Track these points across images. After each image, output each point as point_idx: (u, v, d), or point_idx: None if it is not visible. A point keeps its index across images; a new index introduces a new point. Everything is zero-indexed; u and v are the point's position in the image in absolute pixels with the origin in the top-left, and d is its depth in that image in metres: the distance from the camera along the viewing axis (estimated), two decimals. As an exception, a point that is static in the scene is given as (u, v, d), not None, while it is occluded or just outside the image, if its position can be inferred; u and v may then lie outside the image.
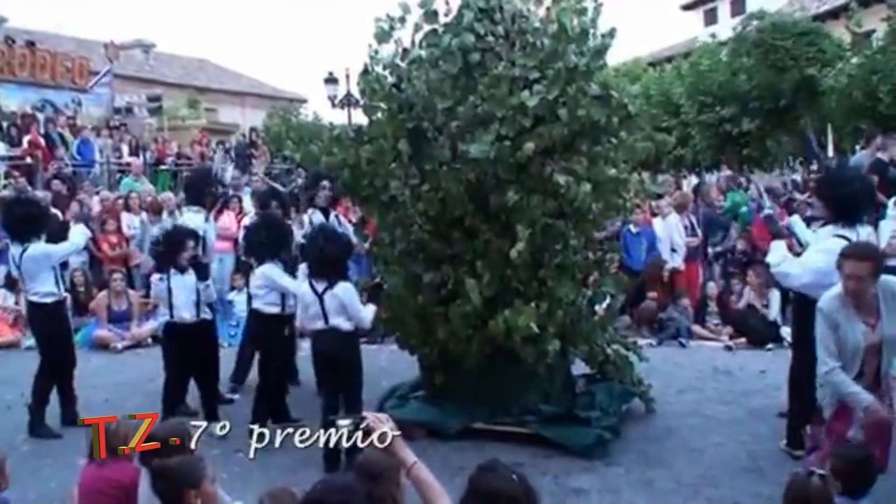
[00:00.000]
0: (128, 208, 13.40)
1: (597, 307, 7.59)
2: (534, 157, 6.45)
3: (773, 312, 10.75)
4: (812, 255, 5.88)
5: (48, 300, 7.75)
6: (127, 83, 30.65)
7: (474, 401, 7.01)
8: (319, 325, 6.64)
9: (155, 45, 40.88)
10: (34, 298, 7.84)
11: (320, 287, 6.58)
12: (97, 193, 14.32)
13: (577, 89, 6.42)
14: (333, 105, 25.35)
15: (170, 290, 7.35)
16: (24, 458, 6.86)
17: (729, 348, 10.57)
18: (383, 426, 3.13)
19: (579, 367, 7.76)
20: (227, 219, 12.59)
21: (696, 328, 11.17)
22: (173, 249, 7.44)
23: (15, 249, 7.76)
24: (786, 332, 10.55)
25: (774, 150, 21.40)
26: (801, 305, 6.13)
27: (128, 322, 11.55)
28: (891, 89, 16.62)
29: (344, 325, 6.60)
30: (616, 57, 22.45)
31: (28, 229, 7.70)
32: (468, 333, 6.82)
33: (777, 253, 6.01)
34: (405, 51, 7.11)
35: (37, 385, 7.87)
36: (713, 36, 25.74)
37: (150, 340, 11.47)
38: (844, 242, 5.60)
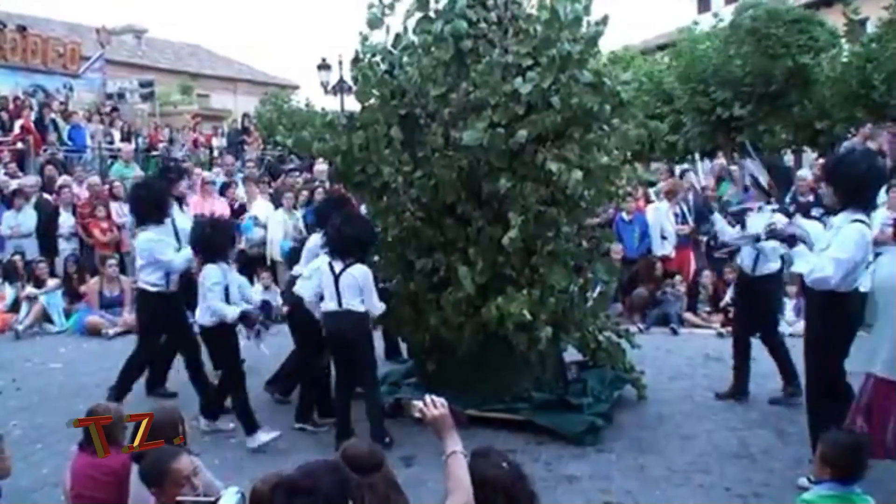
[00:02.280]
0: (114, 197, 13.30)
1: (589, 294, 7.60)
2: (526, 145, 6.44)
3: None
4: (841, 250, 5.45)
5: (150, 289, 7.53)
6: (119, 68, 30.50)
7: (466, 387, 7.01)
8: (332, 306, 6.59)
9: (147, 30, 40.73)
10: (139, 283, 7.72)
11: (338, 267, 6.56)
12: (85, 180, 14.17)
13: (570, 77, 6.41)
14: (326, 92, 25.29)
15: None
16: (16, 444, 6.83)
17: (720, 335, 10.59)
18: (434, 411, 3.13)
19: (571, 354, 7.78)
20: (220, 206, 12.56)
21: (688, 315, 11.21)
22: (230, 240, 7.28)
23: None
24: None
25: (767, 138, 21.39)
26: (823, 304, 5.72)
27: (120, 308, 11.52)
28: (885, 78, 16.62)
29: (358, 306, 6.56)
30: (608, 44, 22.38)
31: (145, 214, 7.54)
32: (461, 320, 6.83)
33: (803, 261, 5.70)
34: (397, 37, 7.09)
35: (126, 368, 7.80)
36: (716, 15, 25.43)
37: (141, 327, 11.45)
38: (867, 228, 5.55)
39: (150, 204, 7.50)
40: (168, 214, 7.59)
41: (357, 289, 6.53)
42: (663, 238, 11.79)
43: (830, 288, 5.45)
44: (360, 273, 6.53)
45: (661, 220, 11.83)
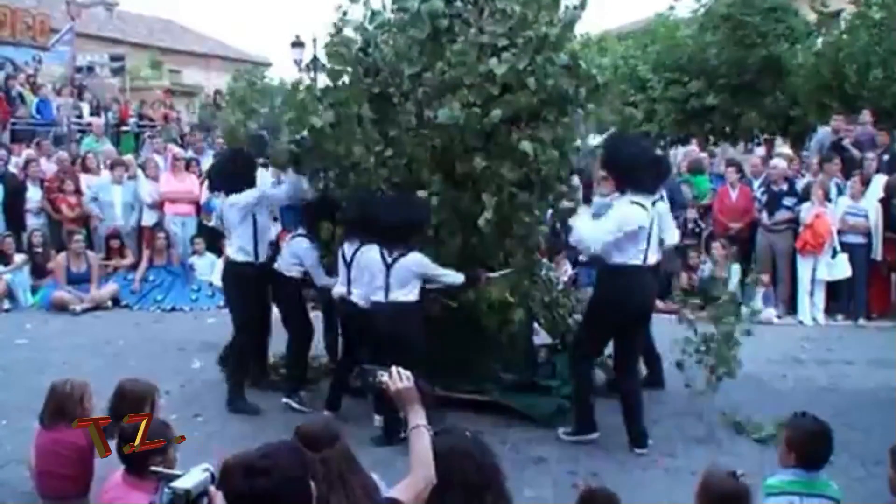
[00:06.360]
0: (86, 169, 13.17)
1: (560, 277, 7.62)
2: (500, 125, 6.42)
3: (732, 286, 10.88)
4: (607, 222, 6.12)
5: (238, 257, 7.29)
6: (89, 42, 30.09)
7: (435, 368, 6.99)
8: (379, 297, 6.43)
9: (118, 3, 40.21)
10: (228, 252, 7.53)
11: (389, 257, 6.39)
12: (53, 154, 13.94)
13: (546, 59, 6.39)
14: (300, 69, 25.04)
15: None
16: (-22, 421, 6.79)
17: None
18: (399, 383, 3.08)
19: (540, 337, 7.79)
20: (190, 182, 12.46)
21: (656, 302, 11.19)
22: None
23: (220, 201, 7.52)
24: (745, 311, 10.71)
25: (743, 123, 21.50)
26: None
27: (87, 284, 11.40)
28: (858, 69, 16.74)
29: (403, 297, 6.38)
30: (586, 28, 22.34)
31: (229, 183, 7.36)
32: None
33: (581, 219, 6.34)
34: (374, 14, 7.04)
35: (231, 353, 7.57)
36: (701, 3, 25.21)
37: (109, 303, 11.36)
38: (642, 210, 6.06)
39: (236, 174, 7.34)
40: (253, 185, 7.36)
41: (408, 279, 6.42)
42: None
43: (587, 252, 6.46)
44: (414, 262, 6.41)
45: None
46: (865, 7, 17.61)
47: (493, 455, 3.12)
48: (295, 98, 6.94)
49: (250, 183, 7.29)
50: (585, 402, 6.45)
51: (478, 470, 3.02)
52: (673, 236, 7.55)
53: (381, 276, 6.37)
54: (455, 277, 6.48)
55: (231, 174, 7.39)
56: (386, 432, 6.26)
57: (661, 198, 7.05)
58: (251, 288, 7.29)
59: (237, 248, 7.28)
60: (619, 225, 6.02)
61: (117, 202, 12.31)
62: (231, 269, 7.44)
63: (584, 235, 6.21)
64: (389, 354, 5.95)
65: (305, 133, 6.84)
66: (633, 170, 6.14)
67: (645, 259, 6.18)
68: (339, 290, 6.80)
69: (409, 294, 6.37)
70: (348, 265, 6.68)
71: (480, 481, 3.00)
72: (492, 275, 6.72)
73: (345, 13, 6.97)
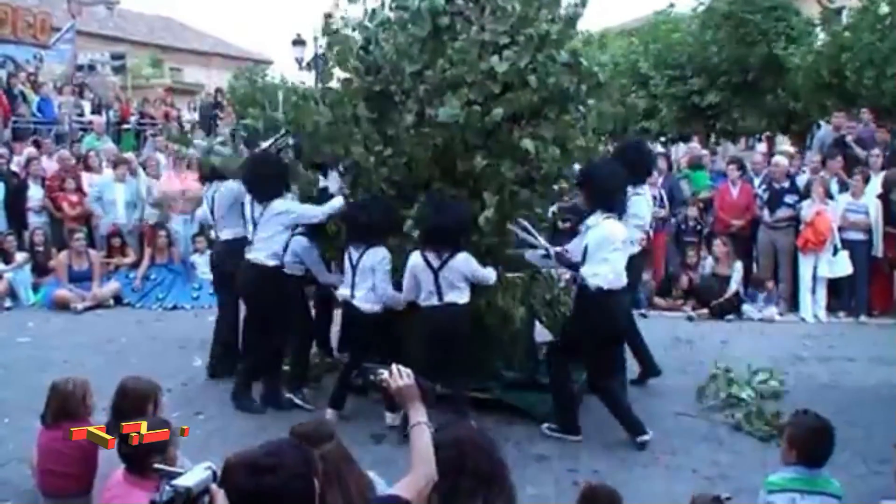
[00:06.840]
0: (88, 168, 13.18)
1: (562, 274, 7.62)
2: (502, 123, 6.42)
3: (735, 283, 10.88)
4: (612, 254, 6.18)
5: (270, 262, 7.03)
6: (90, 40, 30.07)
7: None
8: (433, 301, 6.39)
9: (119, 1, 40.17)
10: (253, 257, 7.09)
11: (435, 261, 6.31)
12: (55, 153, 13.94)
13: (547, 56, 6.39)
14: (301, 67, 25.04)
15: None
16: (-19, 419, 6.79)
17: (690, 318, 10.66)
18: (400, 381, 3.08)
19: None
20: (191, 179, 12.45)
21: (658, 300, 11.21)
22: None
23: (255, 208, 7.12)
24: (747, 308, 10.75)
25: (741, 123, 21.50)
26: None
27: (88, 282, 11.40)
28: (858, 68, 16.71)
29: (457, 299, 6.36)
30: (587, 25, 22.30)
31: (265, 188, 7.06)
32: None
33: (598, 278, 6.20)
34: (373, 12, 7.03)
35: (245, 353, 7.52)
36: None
37: (111, 301, 11.37)
38: (618, 222, 6.22)
39: (272, 178, 7.09)
40: (289, 188, 7.24)
41: (458, 280, 6.37)
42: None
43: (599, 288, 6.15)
44: (462, 263, 6.38)
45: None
46: (869, 2, 17.54)
47: (499, 449, 3.15)
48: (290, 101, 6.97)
49: (283, 187, 7.15)
50: (567, 406, 6.49)
51: (489, 460, 3.05)
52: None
53: (431, 281, 6.32)
54: (492, 277, 6.50)
55: (265, 178, 7.08)
56: (403, 427, 6.23)
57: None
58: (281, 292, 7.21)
59: (270, 252, 7.00)
60: (611, 242, 6.18)
61: (120, 200, 12.31)
62: (259, 271, 7.07)
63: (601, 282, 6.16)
64: (440, 356, 6.09)
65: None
66: (608, 192, 6.27)
67: (619, 277, 6.23)
68: (343, 292, 6.83)
69: (463, 295, 6.36)
70: (353, 268, 6.68)
71: (491, 471, 3.03)
72: (509, 275, 6.75)
73: (330, 15, 6.97)
